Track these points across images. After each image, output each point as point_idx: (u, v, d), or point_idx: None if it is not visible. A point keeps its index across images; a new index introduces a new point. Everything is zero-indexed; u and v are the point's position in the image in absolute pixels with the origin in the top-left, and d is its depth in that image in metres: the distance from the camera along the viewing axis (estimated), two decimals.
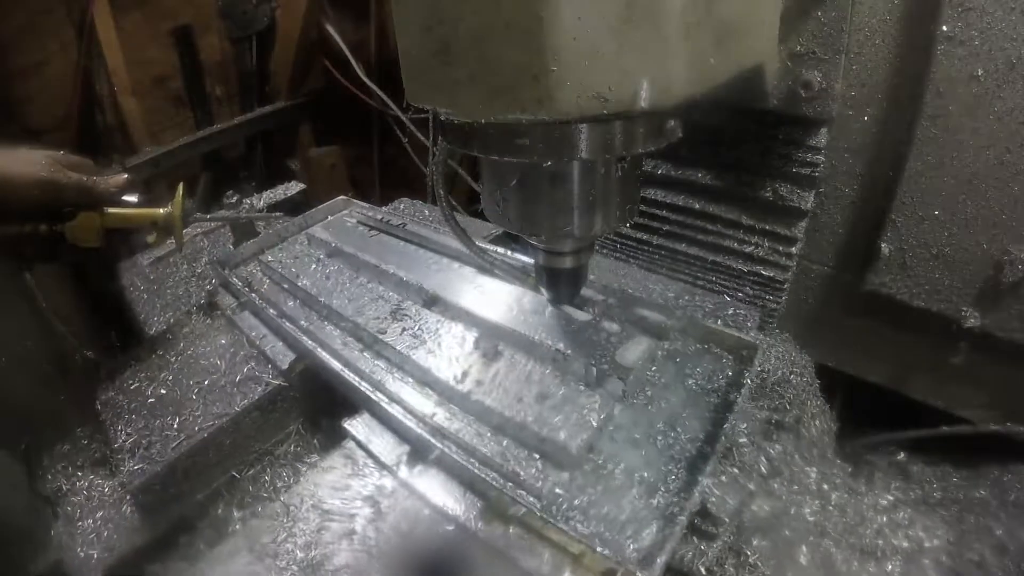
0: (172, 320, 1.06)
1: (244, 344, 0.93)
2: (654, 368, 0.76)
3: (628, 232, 1.08)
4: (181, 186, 0.89)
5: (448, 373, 0.75)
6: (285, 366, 0.86)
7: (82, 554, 0.71)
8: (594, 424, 0.65)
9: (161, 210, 0.86)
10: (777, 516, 0.66)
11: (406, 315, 0.87)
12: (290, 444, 0.85)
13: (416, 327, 0.84)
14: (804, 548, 0.64)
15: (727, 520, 0.62)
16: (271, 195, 1.29)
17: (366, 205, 1.24)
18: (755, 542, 0.63)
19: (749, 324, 0.87)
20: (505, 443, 0.67)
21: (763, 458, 0.71)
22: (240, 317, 0.98)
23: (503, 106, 0.45)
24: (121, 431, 0.80)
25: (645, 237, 1.07)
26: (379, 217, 1.15)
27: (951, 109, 0.75)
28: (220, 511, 0.78)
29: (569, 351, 0.72)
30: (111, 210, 0.83)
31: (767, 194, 0.91)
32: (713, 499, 0.62)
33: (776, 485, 0.69)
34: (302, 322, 0.91)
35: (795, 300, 1.01)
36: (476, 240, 0.84)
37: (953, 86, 0.74)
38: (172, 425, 0.79)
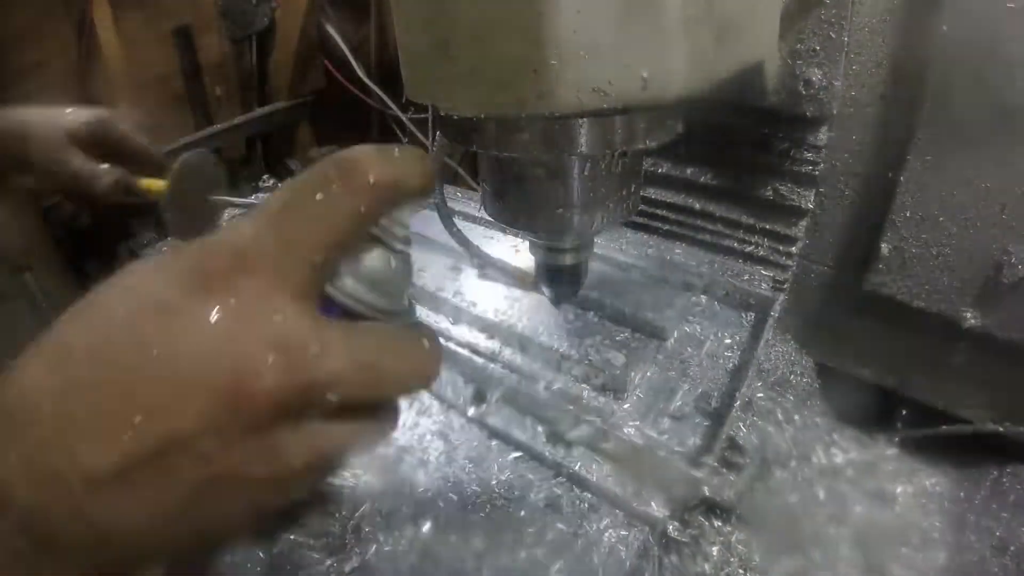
0: None
1: None
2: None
3: (628, 232, 1.08)
4: (185, 157, 0.78)
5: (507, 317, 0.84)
6: None
7: None
8: None
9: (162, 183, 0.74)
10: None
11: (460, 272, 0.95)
12: None
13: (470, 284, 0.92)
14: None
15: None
16: None
17: None
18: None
19: None
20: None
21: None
22: None
23: (503, 101, 0.45)
24: None
25: (645, 237, 1.07)
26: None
27: (951, 109, 0.75)
28: None
29: None
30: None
31: (767, 193, 0.91)
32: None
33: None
34: None
35: (795, 300, 1.00)
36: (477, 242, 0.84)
37: (953, 86, 0.74)
38: None
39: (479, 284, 0.95)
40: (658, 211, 1.03)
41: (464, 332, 0.85)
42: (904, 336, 0.91)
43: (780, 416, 0.80)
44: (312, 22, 2.20)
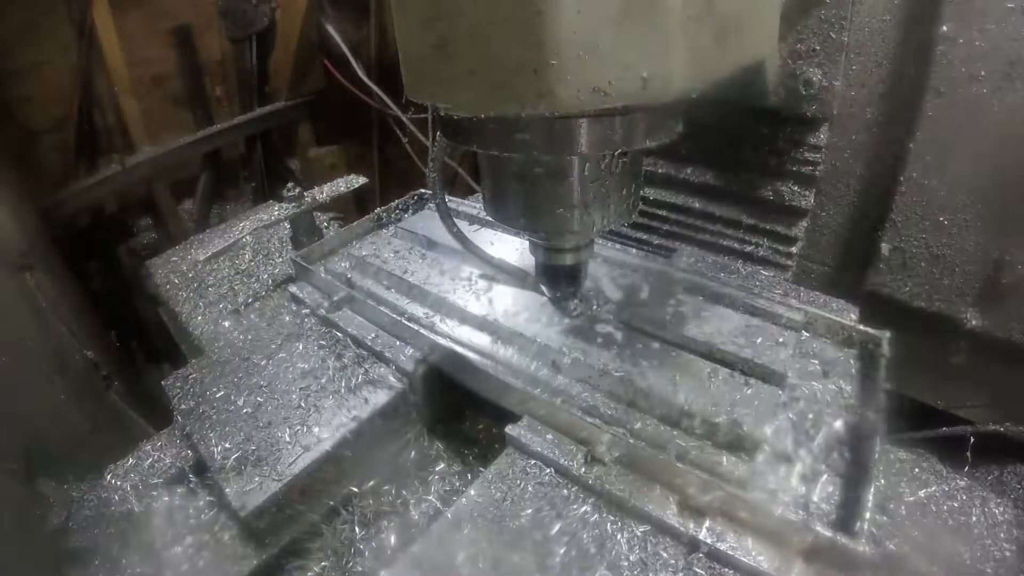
0: (234, 316, 0.97)
1: (349, 344, 0.84)
2: None
3: (628, 232, 1.08)
4: None
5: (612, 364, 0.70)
6: (410, 367, 0.77)
7: None
8: None
9: None
10: None
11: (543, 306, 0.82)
12: (409, 452, 0.77)
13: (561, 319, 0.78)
14: None
15: None
16: (333, 188, 1.26)
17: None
18: None
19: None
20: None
21: None
22: (339, 316, 0.88)
23: (503, 101, 0.45)
24: (217, 446, 0.69)
25: (645, 237, 1.07)
26: (459, 209, 1.08)
27: (951, 109, 0.75)
28: (339, 530, 0.69)
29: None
30: None
31: (767, 193, 0.91)
32: None
33: None
34: (427, 318, 0.83)
35: None
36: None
37: (953, 86, 0.74)
38: (283, 437, 0.69)
39: (568, 325, 0.80)
40: (658, 211, 1.03)
41: (564, 384, 0.72)
42: (904, 336, 0.91)
43: None
44: (312, 22, 2.21)
